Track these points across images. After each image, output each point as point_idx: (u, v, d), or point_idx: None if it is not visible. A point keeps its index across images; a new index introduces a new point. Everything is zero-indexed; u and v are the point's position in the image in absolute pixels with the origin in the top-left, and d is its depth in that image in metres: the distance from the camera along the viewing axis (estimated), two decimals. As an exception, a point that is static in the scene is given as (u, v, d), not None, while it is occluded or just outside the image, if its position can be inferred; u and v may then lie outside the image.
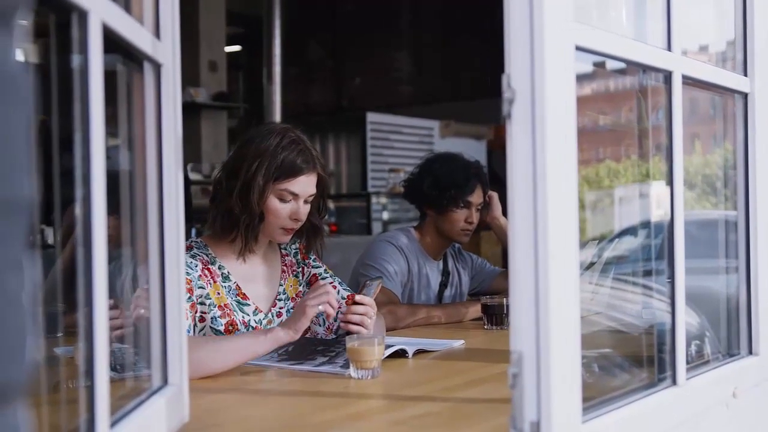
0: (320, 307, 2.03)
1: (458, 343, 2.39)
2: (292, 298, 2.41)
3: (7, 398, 0.59)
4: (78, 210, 1.04)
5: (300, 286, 2.45)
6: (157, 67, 1.38)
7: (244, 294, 2.30)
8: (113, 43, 1.14)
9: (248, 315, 2.28)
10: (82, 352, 1.05)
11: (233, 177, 2.25)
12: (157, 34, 1.38)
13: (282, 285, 2.41)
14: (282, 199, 2.25)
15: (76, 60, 1.04)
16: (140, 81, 1.37)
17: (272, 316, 2.34)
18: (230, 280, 2.28)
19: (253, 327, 2.27)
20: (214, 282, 2.24)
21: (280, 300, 2.39)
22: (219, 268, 2.28)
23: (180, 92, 1.45)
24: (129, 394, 1.33)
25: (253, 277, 2.35)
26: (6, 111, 0.58)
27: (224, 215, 2.26)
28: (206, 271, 2.23)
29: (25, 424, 0.62)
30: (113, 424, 1.11)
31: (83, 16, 1.02)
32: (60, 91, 1.06)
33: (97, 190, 1.04)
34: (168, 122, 1.40)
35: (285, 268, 2.44)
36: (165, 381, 1.40)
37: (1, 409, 0.58)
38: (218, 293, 2.24)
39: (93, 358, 1.03)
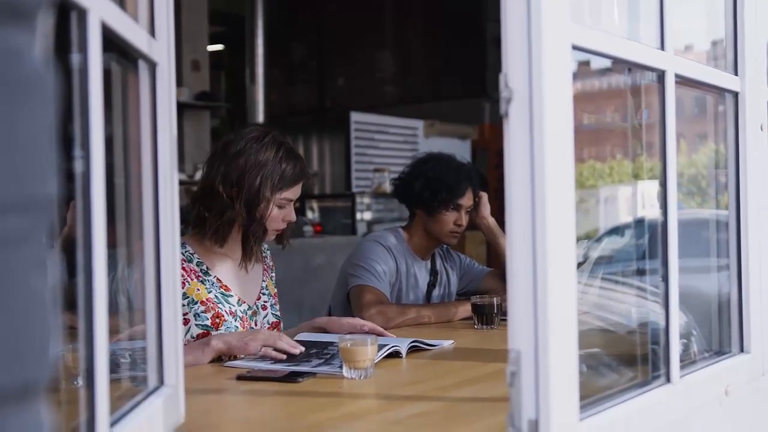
0: (261, 350, 2.09)
1: (448, 343, 2.40)
2: (273, 294, 2.52)
3: (32, 396, 0.59)
4: (78, 209, 1.03)
5: (274, 287, 2.56)
6: (152, 66, 1.37)
7: (227, 286, 2.36)
8: (109, 41, 1.14)
9: (233, 305, 2.34)
10: (80, 353, 1.04)
11: (231, 187, 2.29)
12: (152, 32, 1.37)
13: (264, 281, 2.50)
14: (279, 207, 2.35)
15: (74, 58, 1.03)
16: (135, 80, 1.36)
17: (257, 308, 2.43)
18: (211, 275, 2.34)
19: (240, 317, 2.34)
20: (192, 279, 2.29)
21: (264, 294, 2.48)
22: (197, 265, 2.33)
23: (174, 92, 1.44)
24: (125, 394, 1.33)
25: (236, 272, 2.41)
26: (31, 109, 0.58)
27: (226, 225, 2.31)
28: (182, 270, 2.26)
29: (48, 421, 0.62)
30: (112, 424, 1.11)
31: (82, 14, 1.01)
32: (58, 89, 1.05)
33: (97, 189, 1.03)
34: (163, 121, 1.39)
35: (265, 266, 2.53)
36: (161, 382, 1.39)
37: (26, 406, 0.58)
38: (198, 289, 2.29)
39: (93, 359, 1.02)
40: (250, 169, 2.28)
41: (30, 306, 0.58)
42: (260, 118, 8.38)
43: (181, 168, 7.39)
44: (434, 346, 2.33)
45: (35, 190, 0.59)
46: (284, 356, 2.07)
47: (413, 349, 2.25)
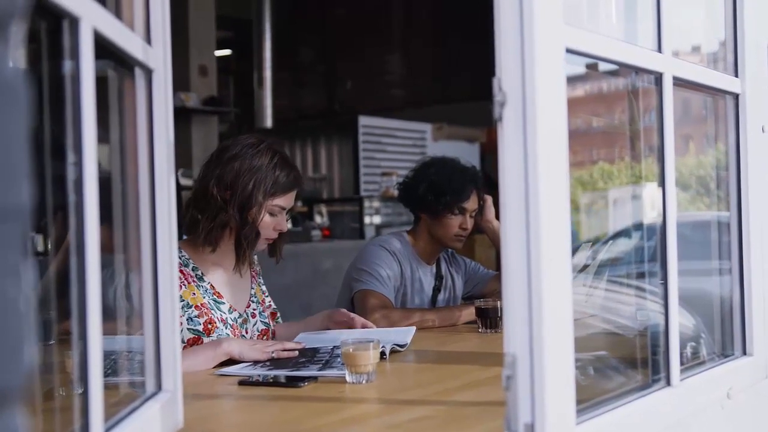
0: (273, 354, 2.16)
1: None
2: (261, 301, 2.54)
3: (6, 403, 0.59)
4: (70, 217, 1.03)
5: (263, 294, 2.58)
6: (148, 72, 1.37)
7: (219, 293, 2.38)
8: (104, 48, 1.14)
9: (225, 313, 2.37)
10: (74, 360, 1.05)
11: (225, 189, 2.32)
12: (148, 39, 1.37)
13: (253, 288, 2.52)
14: (271, 214, 2.37)
15: (67, 66, 1.04)
16: (131, 87, 1.37)
17: (247, 316, 2.45)
18: (205, 281, 2.37)
19: (230, 325, 2.37)
20: (189, 283, 2.32)
21: (253, 301, 2.50)
22: (193, 270, 2.36)
23: (171, 98, 1.44)
24: (123, 400, 1.33)
25: (227, 280, 2.44)
26: (4, 117, 0.59)
27: (219, 228, 2.33)
28: (179, 273, 2.29)
29: (23, 428, 0.62)
30: (107, 430, 1.11)
31: (74, 22, 1.02)
32: (51, 97, 1.06)
33: (90, 196, 1.03)
34: (160, 128, 1.40)
35: (254, 273, 2.56)
36: (159, 387, 1.40)
37: (0, 413, 0.58)
38: (193, 294, 2.32)
39: (87, 364, 1.03)
40: (244, 172, 2.31)
41: (4, 313, 0.58)
42: (268, 122, 8.38)
43: (189, 174, 7.39)
44: (403, 346, 2.35)
45: (7, 198, 0.59)
46: (296, 353, 2.18)
47: (394, 349, 2.28)
